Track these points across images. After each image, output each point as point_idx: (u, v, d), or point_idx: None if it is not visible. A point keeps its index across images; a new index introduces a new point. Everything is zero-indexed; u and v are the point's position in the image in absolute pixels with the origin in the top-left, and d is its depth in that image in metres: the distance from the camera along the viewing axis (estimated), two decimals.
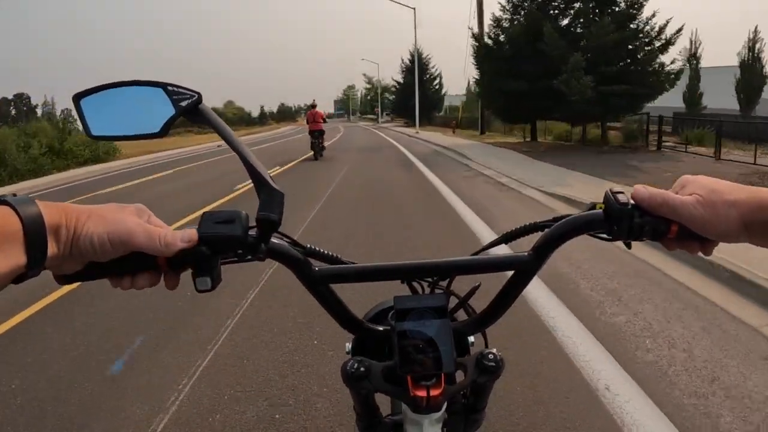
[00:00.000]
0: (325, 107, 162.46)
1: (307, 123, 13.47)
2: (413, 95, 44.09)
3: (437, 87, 44.10)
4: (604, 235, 0.51)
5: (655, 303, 2.96)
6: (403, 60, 44.77)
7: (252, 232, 0.47)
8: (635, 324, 2.68)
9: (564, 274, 3.46)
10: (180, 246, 0.44)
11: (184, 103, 0.46)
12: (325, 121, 13.33)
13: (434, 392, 0.51)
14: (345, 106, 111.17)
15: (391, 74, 70.52)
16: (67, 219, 0.41)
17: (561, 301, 3.00)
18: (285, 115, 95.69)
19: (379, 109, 57.11)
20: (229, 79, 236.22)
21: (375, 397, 0.59)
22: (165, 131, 0.47)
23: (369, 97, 75.95)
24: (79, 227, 0.41)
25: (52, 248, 0.39)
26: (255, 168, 0.46)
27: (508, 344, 2.45)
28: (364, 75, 74.46)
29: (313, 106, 13.52)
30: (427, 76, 43.48)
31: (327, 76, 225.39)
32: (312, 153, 13.26)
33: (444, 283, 0.60)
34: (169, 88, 0.47)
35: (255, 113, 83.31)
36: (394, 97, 46.63)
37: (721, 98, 18.79)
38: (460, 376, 0.56)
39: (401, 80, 44.76)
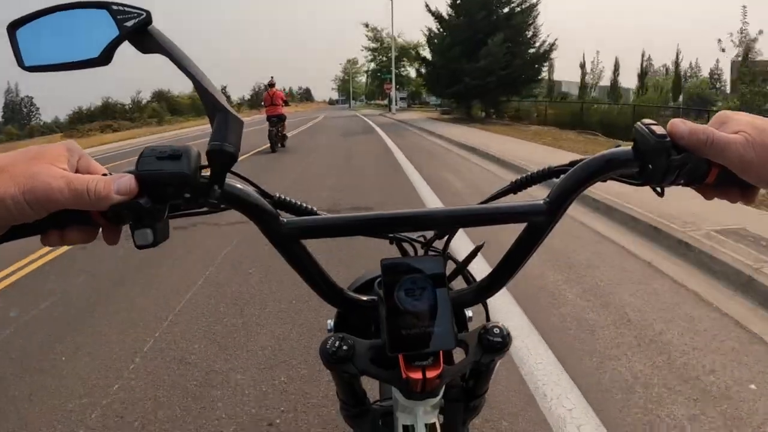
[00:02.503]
0: (328, 93, 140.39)
1: (264, 106, 10.83)
2: (474, 53, 15.36)
3: (535, 42, 18.62)
4: (633, 180, 0.44)
5: None
6: None
7: (206, 174, 0.40)
8: None
9: None
10: (116, 200, 0.37)
11: (129, 24, 0.40)
12: (286, 104, 10.91)
13: (431, 374, 0.45)
14: (345, 88, 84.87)
15: (415, 24, 40.63)
16: None
17: None
18: (259, 100, 71.25)
19: (393, 88, 31.88)
20: (211, 59, 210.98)
21: (361, 381, 0.53)
22: (107, 57, 0.41)
23: (375, 65, 48.70)
24: None
25: None
26: (208, 91, 0.40)
27: None
28: (366, 26, 46.51)
29: (271, 85, 10.81)
30: (517, 6, 18.25)
31: (328, 51, 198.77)
32: (269, 145, 10.62)
33: (439, 247, 0.54)
34: (114, 7, 0.40)
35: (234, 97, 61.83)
36: (427, 64, 20.88)
37: None
38: (458, 355, 0.50)
39: (449, 14, 19.27)
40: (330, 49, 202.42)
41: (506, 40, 16.85)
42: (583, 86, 32.45)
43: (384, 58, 44.82)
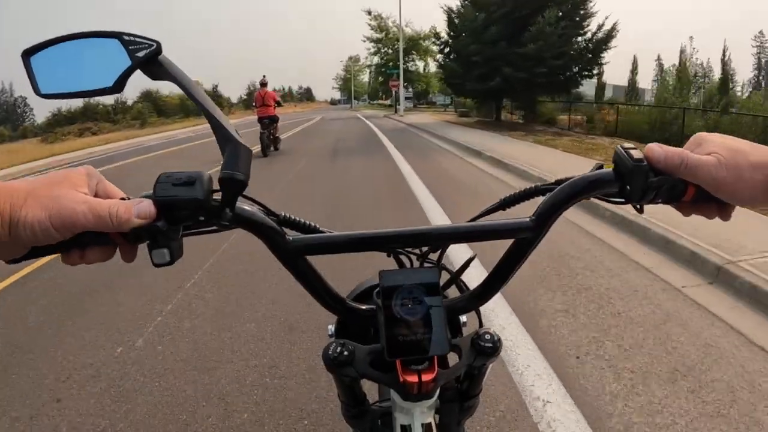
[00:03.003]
0: (330, 93, 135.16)
1: (255, 107, 9.89)
2: (516, 35, 9.29)
3: (587, 26, 13.61)
4: (614, 198, 0.48)
5: None
6: None
7: (217, 197, 0.43)
8: None
9: None
10: (136, 223, 0.40)
11: (141, 54, 0.42)
12: (279, 105, 9.93)
13: (426, 377, 0.48)
14: (347, 87, 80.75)
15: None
16: (1, 204, 0.36)
17: None
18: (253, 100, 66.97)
19: (401, 84, 26.53)
20: (206, 56, 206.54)
21: (361, 383, 0.56)
22: (120, 86, 0.43)
23: (380, 59, 40.21)
24: (15, 213, 0.36)
25: None
26: (219, 121, 0.42)
27: None
28: (369, 14, 38.86)
29: (263, 84, 9.90)
30: None
31: (332, 50, 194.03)
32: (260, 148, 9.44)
33: (433, 258, 0.57)
34: (125, 37, 0.43)
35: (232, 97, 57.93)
36: (450, 51, 16.20)
37: None
38: (452, 360, 0.53)
39: None
40: (334, 48, 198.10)
41: (561, 18, 12.25)
42: (600, 86, 28.49)
43: (389, 51, 38.17)
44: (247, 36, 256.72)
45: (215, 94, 61.99)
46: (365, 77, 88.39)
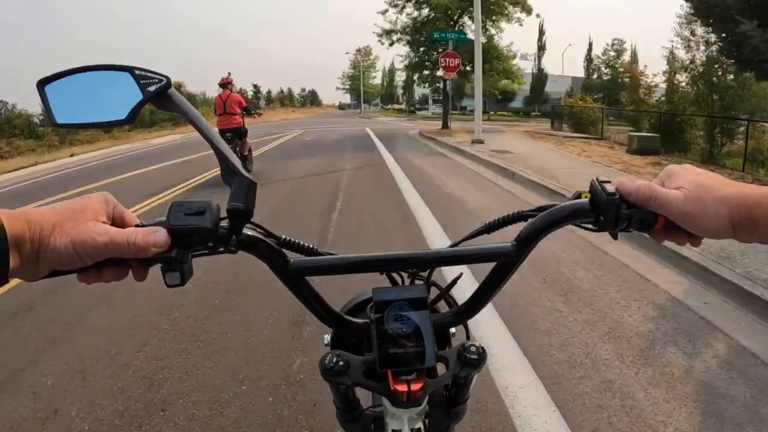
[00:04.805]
0: (339, 96, 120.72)
1: (216, 115, 7.31)
2: None
3: None
4: (590, 226, 0.51)
5: None
6: None
7: (224, 223, 0.47)
8: None
9: None
10: (152, 252, 0.43)
11: (151, 88, 0.45)
12: (247, 112, 7.38)
13: (415, 387, 0.51)
14: (355, 87, 67.18)
15: None
16: (31, 231, 0.39)
17: None
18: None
19: (478, 60, 10.06)
20: (197, 55, 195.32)
21: (355, 389, 0.59)
22: (132, 118, 0.46)
23: (407, 17, 18.40)
24: (44, 240, 0.40)
25: (14, 261, 0.38)
26: (225, 156, 0.46)
27: None
28: None
29: (225, 84, 7.30)
30: None
31: (342, 50, 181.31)
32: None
33: (424, 274, 0.60)
34: (137, 72, 0.45)
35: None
36: None
37: None
38: (441, 368, 0.56)
39: None
40: (345, 47, 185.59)
41: None
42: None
43: (420, 22, 18.48)
44: (248, 37, 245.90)
45: (185, 95, 48.98)
46: (377, 79, 74.72)
